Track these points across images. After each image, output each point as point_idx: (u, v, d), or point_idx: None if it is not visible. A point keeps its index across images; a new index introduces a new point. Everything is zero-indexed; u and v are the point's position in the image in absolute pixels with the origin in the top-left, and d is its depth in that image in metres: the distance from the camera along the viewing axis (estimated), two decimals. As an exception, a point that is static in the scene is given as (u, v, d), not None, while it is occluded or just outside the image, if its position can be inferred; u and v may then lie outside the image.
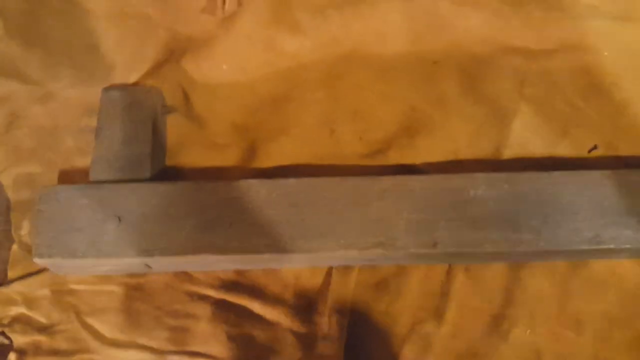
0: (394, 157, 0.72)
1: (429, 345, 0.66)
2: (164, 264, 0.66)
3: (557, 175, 0.65)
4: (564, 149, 0.72)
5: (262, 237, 0.63)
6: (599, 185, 0.65)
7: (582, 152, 0.72)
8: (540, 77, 0.75)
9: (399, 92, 0.75)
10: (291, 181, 0.66)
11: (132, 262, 0.64)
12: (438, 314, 0.67)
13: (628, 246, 0.63)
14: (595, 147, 0.73)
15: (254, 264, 0.68)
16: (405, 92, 0.75)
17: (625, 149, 0.73)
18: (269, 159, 0.73)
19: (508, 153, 0.72)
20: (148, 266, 0.66)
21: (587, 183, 0.65)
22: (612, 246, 0.63)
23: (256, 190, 0.65)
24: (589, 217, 0.63)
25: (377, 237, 0.63)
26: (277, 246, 0.63)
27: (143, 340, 0.66)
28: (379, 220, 0.63)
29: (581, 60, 0.76)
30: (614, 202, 0.64)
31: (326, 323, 0.67)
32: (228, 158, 0.73)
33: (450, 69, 0.76)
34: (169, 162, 0.73)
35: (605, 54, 0.76)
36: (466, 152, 0.72)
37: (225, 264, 0.67)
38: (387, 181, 0.65)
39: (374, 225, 0.63)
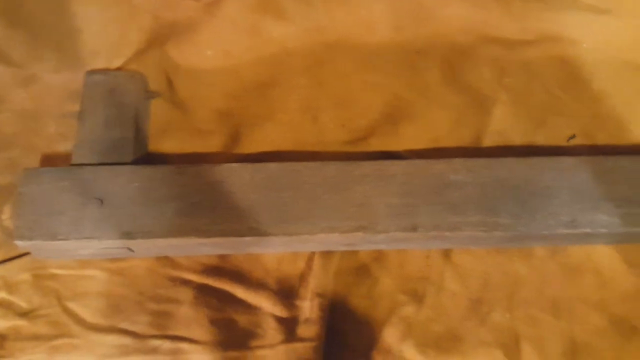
0: (376, 144, 0.73)
1: (408, 328, 0.67)
2: (147, 248, 0.65)
3: (535, 160, 0.66)
4: (542, 138, 0.73)
5: (244, 221, 0.63)
6: (576, 171, 0.66)
7: (560, 141, 0.74)
8: (520, 67, 0.77)
9: (382, 80, 0.76)
10: (273, 165, 0.66)
11: (114, 245, 0.64)
12: (418, 298, 0.68)
13: (604, 230, 0.64)
14: (573, 136, 0.74)
15: (237, 248, 0.68)
16: (388, 80, 0.76)
17: (603, 139, 0.74)
18: (252, 145, 0.73)
19: (488, 141, 0.73)
20: (130, 250, 0.66)
21: (564, 169, 0.66)
22: (588, 230, 0.64)
23: (238, 174, 0.65)
24: (566, 202, 0.64)
25: (358, 220, 0.63)
26: (259, 229, 0.63)
27: (125, 325, 0.66)
28: (360, 204, 0.64)
29: (560, 51, 0.78)
30: (591, 187, 0.65)
31: (308, 307, 0.67)
32: (211, 144, 0.73)
33: (433, 58, 0.77)
34: (151, 147, 0.72)
35: (584, 45, 0.78)
36: (447, 139, 0.73)
37: (207, 248, 0.67)
38: (368, 166, 0.66)
39: (355, 209, 0.64)
